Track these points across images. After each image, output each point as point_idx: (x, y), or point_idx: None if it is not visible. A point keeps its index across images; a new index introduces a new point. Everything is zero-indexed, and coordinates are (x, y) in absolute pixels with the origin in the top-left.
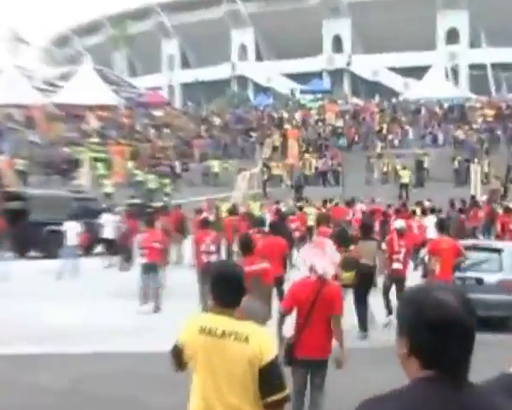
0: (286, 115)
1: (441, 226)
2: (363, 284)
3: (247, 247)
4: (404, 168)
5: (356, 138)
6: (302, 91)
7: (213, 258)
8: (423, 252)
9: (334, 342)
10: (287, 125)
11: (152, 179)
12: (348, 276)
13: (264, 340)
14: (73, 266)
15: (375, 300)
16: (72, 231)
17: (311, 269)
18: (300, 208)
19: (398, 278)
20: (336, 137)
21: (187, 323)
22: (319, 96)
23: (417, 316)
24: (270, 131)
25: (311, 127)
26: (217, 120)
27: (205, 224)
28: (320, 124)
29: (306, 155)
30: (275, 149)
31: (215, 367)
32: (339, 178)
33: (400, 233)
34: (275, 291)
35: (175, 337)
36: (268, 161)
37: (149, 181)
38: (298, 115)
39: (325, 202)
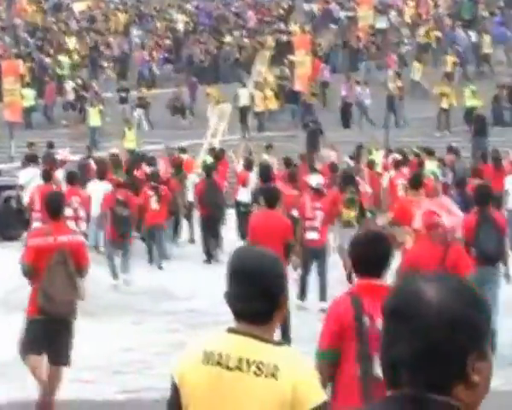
0: (295, 6)
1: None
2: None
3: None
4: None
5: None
6: None
7: None
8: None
9: None
10: (294, 27)
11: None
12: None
13: (302, 374)
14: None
15: None
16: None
17: (437, 226)
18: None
19: (313, 252)
20: (373, 47)
21: (186, 349)
22: None
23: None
24: (264, 38)
25: (332, 30)
26: (173, 15)
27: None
28: (348, 23)
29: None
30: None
31: None
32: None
33: (317, 192)
34: None
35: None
36: (260, 86)
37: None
38: (311, 8)
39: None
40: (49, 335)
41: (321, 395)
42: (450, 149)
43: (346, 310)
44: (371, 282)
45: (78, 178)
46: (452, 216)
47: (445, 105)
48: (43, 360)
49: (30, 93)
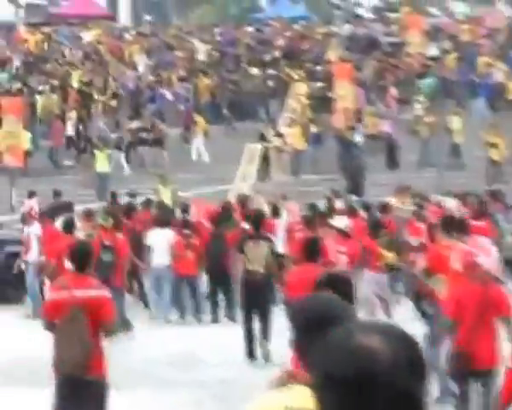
0: (334, 31)
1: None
2: (249, 299)
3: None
4: None
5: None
6: None
7: None
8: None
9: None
10: (331, 54)
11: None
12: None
13: None
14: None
15: None
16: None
17: (474, 266)
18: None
19: None
20: (422, 77)
21: (261, 404)
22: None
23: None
24: (297, 68)
25: (377, 59)
26: (197, 46)
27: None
28: (392, 50)
29: (368, 109)
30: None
31: None
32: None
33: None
34: None
35: None
36: (291, 123)
37: None
38: (347, 28)
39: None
40: (73, 398)
41: None
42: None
43: None
44: None
45: (75, 226)
46: (488, 256)
47: (495, 156)
48: None
49: (27, 135)
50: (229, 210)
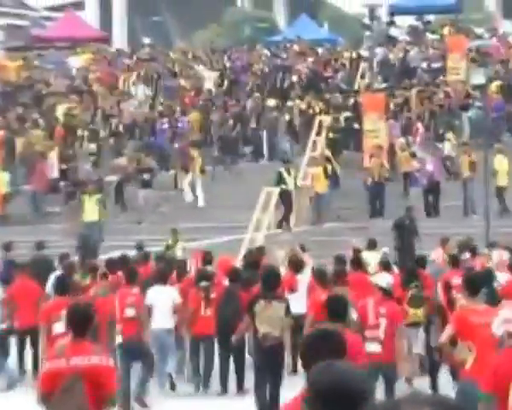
0: (364, 55)
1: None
2: (265, 364)
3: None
4: None
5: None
6: (396, 11)
7: None
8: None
9: None
10: (359, 83)
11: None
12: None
13: None
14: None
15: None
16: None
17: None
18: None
19: (376, 370)
20: (465, 108)
21: None
22: (428, 19)
23: None
24: (320, 99)
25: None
26: (204, 73)
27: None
28: (430, 77)
29: (400, 143)
30: (334, 134)
31: None
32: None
33: (386, 294)
34: None
35: None
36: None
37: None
38: (380, 53)
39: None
40: None
41: None
42: None
43: None
44: None
45: (68, 286)
46: None
47: None
48: None
49: (5, 177)
50: (252, 265)
